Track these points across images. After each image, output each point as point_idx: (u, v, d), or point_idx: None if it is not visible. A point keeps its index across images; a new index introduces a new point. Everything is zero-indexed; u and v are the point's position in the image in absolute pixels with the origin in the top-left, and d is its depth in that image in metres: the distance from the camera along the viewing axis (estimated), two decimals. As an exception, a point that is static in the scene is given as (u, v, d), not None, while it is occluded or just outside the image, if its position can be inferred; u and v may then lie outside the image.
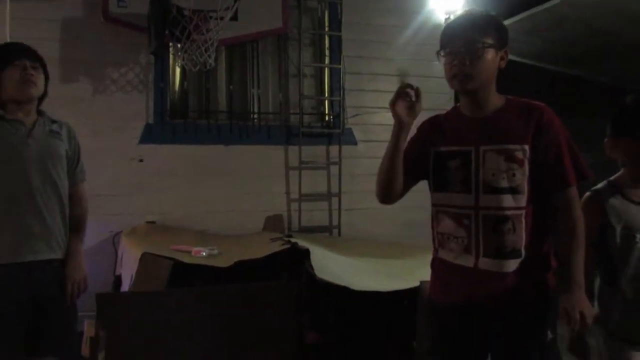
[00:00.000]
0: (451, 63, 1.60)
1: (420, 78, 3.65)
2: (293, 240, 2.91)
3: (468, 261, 1.62)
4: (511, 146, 1.58)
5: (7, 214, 1.97)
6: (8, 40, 3.26)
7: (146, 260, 2.51)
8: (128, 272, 2.79)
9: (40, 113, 2.15)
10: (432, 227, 1.76)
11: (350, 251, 3.11)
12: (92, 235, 3.63)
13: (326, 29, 4.32)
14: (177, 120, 3.99)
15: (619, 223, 1.78)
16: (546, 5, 4.43)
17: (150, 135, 3.88)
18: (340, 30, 4.28)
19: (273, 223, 3.99)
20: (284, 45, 4.28)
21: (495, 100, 1.66)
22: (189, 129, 3.98)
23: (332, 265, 2.66)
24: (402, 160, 1.68)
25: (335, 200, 4.22)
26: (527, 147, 1.58)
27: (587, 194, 1.88)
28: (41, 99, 2.17)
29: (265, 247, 2.89)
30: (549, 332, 1.64)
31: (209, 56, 3.49)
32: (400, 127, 1.64)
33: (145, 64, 3.88)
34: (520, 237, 1.58)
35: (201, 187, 3.94)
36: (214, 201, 3.94)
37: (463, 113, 1.70)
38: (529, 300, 1.62)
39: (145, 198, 3.82)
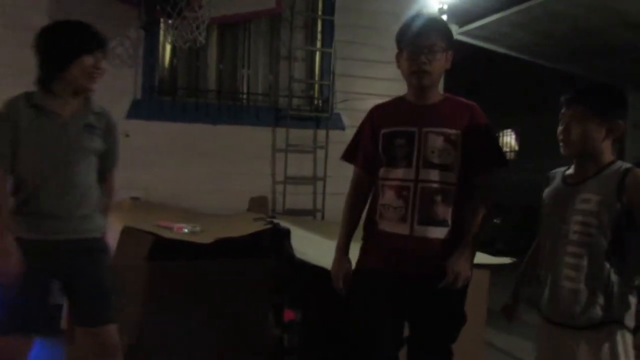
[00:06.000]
0: (411, 61, 1.89)
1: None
2: (275, 221, 2.93)
3: (404, 229, 1.88)
4: (448, 130, 1.89)
5: (40, 200, 1.96)
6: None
7: (127, 233, 2.53)
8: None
9: (85, 102, 2.10)
10: (372, 202, 2.01)
11: (331, 234, 3.13)
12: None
13: (319, 12, 4.30)
14: (165, 97, 3.97)
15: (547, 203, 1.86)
16: (541, -1, 4.44)
17: (137, 111, 3.85)
18: (333, 15, 4.27)
19: (258, 204, 4.00)
20: (276, 26, 4.26)
21: (438, 95, 1.99)
22: (177, 106, 3.97)
23: (311, 246, 2.69)
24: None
25: (320, 184, 4.24)
26: (460, 133, 1.90)
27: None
28: None
29: (247, 227, 2.90)
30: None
31: (200, 34, 3.47)
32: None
33: (135, 39, 3.84)
34: (447, 209, 1.88)
35: (187, 166, 3.93)
36: (199, 180, 3.94)
37: (409, 100, 1.99)
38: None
39: (130, 174, 3.73)
